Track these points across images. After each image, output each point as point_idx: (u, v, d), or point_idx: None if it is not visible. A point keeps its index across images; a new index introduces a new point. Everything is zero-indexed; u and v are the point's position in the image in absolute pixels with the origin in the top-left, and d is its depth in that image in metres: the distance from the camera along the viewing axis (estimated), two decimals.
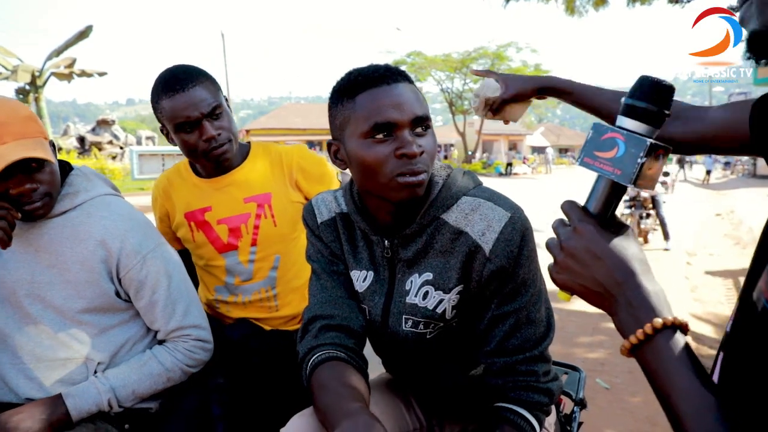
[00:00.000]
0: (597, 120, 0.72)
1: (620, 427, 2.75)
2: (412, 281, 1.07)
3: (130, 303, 1.38)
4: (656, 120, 0.69)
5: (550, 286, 0.92)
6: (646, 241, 7.82)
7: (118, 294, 1.35)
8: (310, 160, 1.66)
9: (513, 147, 44.41)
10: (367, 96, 0.98)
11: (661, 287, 0.68)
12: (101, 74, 26.39)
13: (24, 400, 1.29)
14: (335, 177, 1.70)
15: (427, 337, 1.08)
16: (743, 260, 6.77)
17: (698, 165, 30.78)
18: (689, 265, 6.49)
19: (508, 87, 1.29)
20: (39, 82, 24.18)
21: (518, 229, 1.00)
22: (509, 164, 30.64)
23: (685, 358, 0.62)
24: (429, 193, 1.06)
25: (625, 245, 0.69)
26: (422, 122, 1.00)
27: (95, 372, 1.32)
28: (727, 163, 30.77)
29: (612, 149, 0.69)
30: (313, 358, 1.04)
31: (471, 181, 1.10)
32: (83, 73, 25.63)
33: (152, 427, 1.37)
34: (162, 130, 1.55)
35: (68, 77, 25.31)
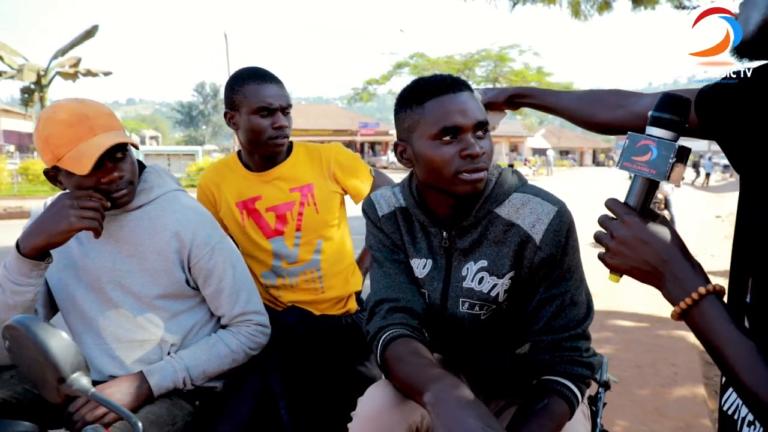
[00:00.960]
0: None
1: (630, 418, 2.86)
2: (468, 268, 1.20)
3: (197, 290, 1.50)
4: (678, 127, 0.84)
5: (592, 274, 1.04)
6: None
7: (187, 282, 1.47)
8: (345, 156, 1.85)
9: (514, 149, 44.60)
10: (435, 102, 1.12)
11: (698, 261, 0.82)
12: (106, 74, 26.44)
13: (107, 377, 1.42)
14: (369, 171, 1.89)
15: (482, 318, 1.22)
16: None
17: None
18: None
19: (485, 95, 1.48)
20: (44, 82, 24.27)
21: (565, 222, 1.14)
22: (510, 166, 30.68)
23: (726, 316, 0.76)
24: (483, 190, 1.19)
25: (665, 230, 0.83)
26: (483, 126, 1.13)
27: (168, 353, 1.45)
28: (726, 166, 30.89)
29: (646, 154, 0.84)
30: (385, 335, 1.16)
31: (519, 179, 1.24)
32: (88, 73, 25.69)
33: (218, 404, 1.50)
34: (226, 114, 1.74)
35: (73, 77, 25.37)
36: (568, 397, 1.13)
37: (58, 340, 0.73)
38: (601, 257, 0.88)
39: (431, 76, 1.17)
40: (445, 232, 1.22)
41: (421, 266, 1.26)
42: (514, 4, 7.80)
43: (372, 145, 48.46)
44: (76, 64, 25.08)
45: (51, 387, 0.73)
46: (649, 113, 0.86)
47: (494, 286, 1.18)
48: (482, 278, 1.19)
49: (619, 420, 2.81)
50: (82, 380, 0.73)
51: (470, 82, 1.20)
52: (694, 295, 0.77)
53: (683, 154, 0.83)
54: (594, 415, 1.42)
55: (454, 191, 1.14)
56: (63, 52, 24.63)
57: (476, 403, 0.92)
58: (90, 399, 0.73)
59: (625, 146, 0.86)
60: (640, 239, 0.82)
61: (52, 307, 1.50)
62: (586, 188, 21.36)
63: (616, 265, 0.86)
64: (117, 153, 1.33)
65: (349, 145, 44.24)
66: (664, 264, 0.81)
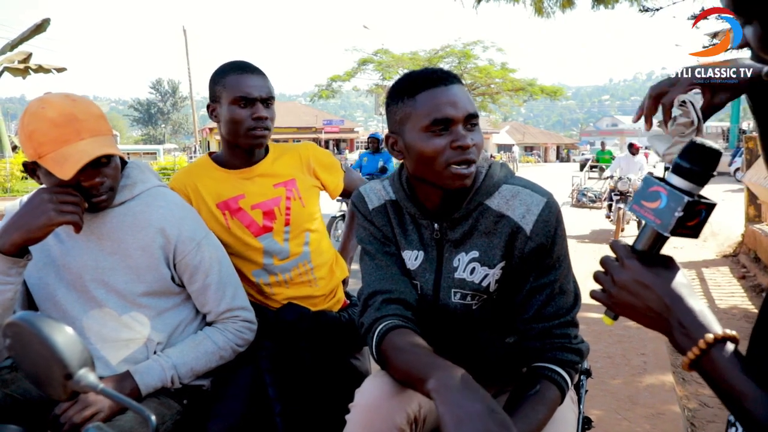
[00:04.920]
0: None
1: (604, 407, 2.93)
2: (459, 259, 1.22)
3: (182, 287, 1.48)
4: (700, 179, 0.76)
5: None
6: (622, 229, 8.55)
7: (173, 279, 1.45)
8: (321, 152, 1.90)
9: None
10: (427, 95, 1.13)
11: (705, 305, 0.76)
12: (60, 70, 25.45)
13: None
14: (340, 165, 1.95)
15: (473, 307, 1.24)
16: (705, 252, 7.18)
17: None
18: None
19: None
20: None
21: (554, 212, 1.18)
22: None
23: (738, 365, 0.70)
24: (474, 182, 1.21)
25: (669, 274, 0.78)
26: (473, 119, 1.15)
27: (154, 351, 1.42)
28: None
29: (656, 201, 0.78)
30: (380, 327, 1.17)
31: (507, 172, 1.26)
32: (40, 69, 24.66)
33: (208, 403, 1.48)
34: (208, 107, 1.73)
35: (24, 72, 24.34)
36: (559, 382, 1.15)
37: (64, 336, 0.71)
38: (598, 298, 0.84)
39: (423, 69, 1.19)
40: (436, 224, 1.23)
41: (412, 258, 1.27)
42: (479, 1, 7.88)
43: (337, 142, 48.29)
44: (26, 60, 24.03)
45: (57, 384, 0.71)
46: (675, 157, 0.80)
47: (486, 276, 1.20)
48: (474, 269, 1.21)
49: (594, 410, 2.87)
50: (89, 376, 0.72)
51: None
52: (701, 344, 0.71)
53: (698, 209, 0.76)
54: (578, 402, 1.46)
55: (443, 185, 1.15)
56: (12, 46, 23.60)
57: (479, 388, 0.94)
58: (99, 394, 0.71)
59: (639, 188, 0.81)
60: (640, 283, 0.78)
61: (30, 308, 1.46)
62: (553, 183, 21.77)
63: (620, 311, 0.82)
64: (102, 158, 1.30)
65: (314, 142, 44.14)
66: (667, 310, 0.76)
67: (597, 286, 0.85)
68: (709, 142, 0.77)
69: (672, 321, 0.75)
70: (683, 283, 0.78)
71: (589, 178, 15.84)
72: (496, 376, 1.34)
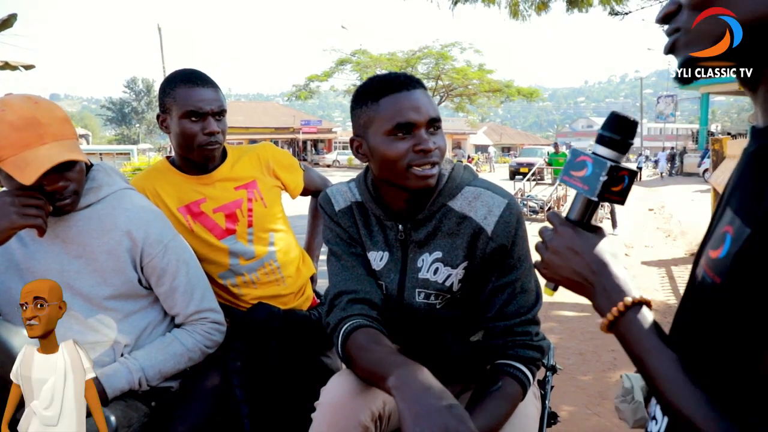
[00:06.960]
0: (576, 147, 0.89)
1: (574, 403, 2.99)
2: (423, 259, 1.25)
3: (150, 290, 1.47)
4: (621, 147, 0.84)
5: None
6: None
7: (140, 281, 1.44)
8: (280, 152, 1.91)
9: (457, 146, 45.41)
10: (390, 100, 1.16)
11: (628, 273, 0.83)
12: (28, 67, 24.75)
13: None
14: (299, 165, 1.96)
15: (437, 307, 1.26)
16: (674, 251, 7.33)
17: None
18: (627, 256, 6.99)
19: None
20: None
21: (514, 213, 1.21)
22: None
23: (651, 326, 0.75)
24: (437, 184, 1.23)
25: (598, 242, 0.84)
26: (435, 123, 1.18)
27: (122, 354, 1.41)
28: (656, 162, 32.43)
29: (582, 169, 0.85)
30: (345, 326, 1.19)
31: (470, 174, 1.29)
32: (6, 66, 24.03)
33: (174, 405, 1.47)
34: (158, 117, 1.71)
35: None
36: (520, 378, 1.19)
37: (20, 339, 0.71)
38: (536, 266, 0.91)
39: (386, 74, 1.22)
40: (400, 226, 1.26)
41: (378, 259, 1.30)
42: (455, 3, 7.93)
43: (315, 143, 48.10)
44: None
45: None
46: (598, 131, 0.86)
47: (449, 276, 1.23)
48: (437, 269, 1.24)
49: (565, 406, 2.92)
50: None
51: None
52: (620, 306, 0.77)
53: (620, 174, 0.83)
54: (543, 398, 1.49)
55: (406, 185, 1.18)
56: None
57: (439, 385, 0.97)
58: None
59: (567, 160, 0.88)
60: (571, 249, 0.84)
61: None
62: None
63: (550, 275, 0.87)
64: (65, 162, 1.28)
65: (292, 143, 43.48)
66: (593, 275, 0.81)
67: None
68: (627, 114, 0.84)
69: (596, 285, 0.81)
70: (609, 250, 0.84)
71: (537, 183, 14.17)
72: (461, 375, 1.36)
